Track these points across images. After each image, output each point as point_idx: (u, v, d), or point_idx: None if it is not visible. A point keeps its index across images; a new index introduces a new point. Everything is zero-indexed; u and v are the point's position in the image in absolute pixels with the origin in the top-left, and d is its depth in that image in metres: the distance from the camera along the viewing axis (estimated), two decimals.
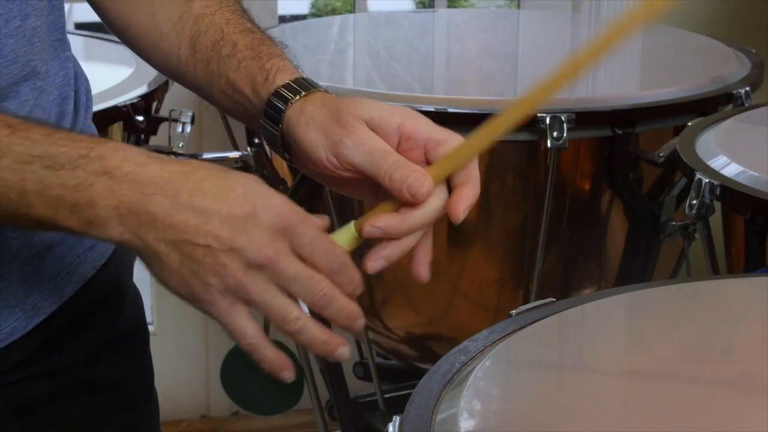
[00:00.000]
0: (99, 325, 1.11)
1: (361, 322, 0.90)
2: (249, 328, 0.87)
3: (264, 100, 0.99)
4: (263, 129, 1.00)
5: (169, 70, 1.08)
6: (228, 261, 0.85)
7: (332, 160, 0.95)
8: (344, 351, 0.89)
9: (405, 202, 0.93)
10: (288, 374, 0.89)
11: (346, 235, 0.95)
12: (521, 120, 0.95)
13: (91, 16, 1.14)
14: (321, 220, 0.90)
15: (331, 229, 0.92)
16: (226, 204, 0.85)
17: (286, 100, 0.98)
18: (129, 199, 0.85)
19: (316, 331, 0.88)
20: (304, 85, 0.99)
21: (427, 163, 0.95)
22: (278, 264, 0.86)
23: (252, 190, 0.87)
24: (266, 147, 1.95)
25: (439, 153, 0.95)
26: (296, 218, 0.87)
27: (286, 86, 0.99)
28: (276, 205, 0.86)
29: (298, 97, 0.98)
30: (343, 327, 0.90)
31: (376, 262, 0.95)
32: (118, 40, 1.13)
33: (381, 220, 0.94)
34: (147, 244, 0.86)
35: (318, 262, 0.88)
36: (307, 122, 0.96)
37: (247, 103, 1.01)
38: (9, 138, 0.86)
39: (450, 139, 0.96)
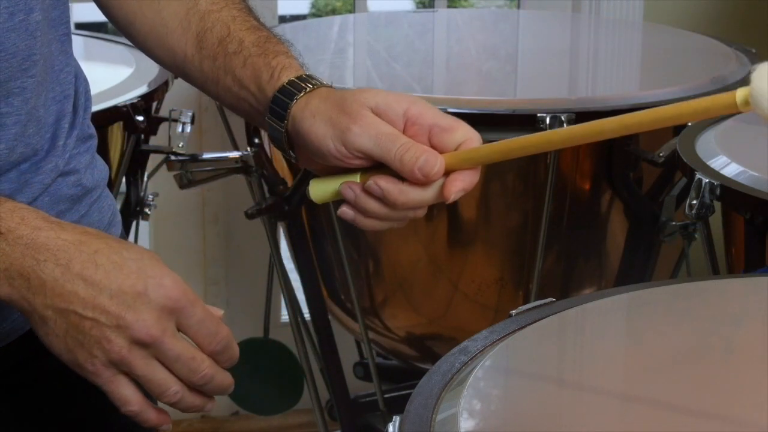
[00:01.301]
0: None
1: (231, 389, 0.93)
2: (131, 396, 0.90)
3: (269, 98, 0.99)
4: (269, 127, 1.00)
5: (175, 66, 1.08)
6: (113, 336, 0.86)
7: (341, 149, 0.95)
8: (211, 405, 0.94)
9: (414, 183, 0.94)
10: (166, 427, 0.94)
11: (349, 180, 0.97)
12: (536, 152, 0.95)
13: (91, 16, 1.14)
14: (215, 310, 0.92)
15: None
16: (117, 279, 0.86)
17: (291, 97, 0.98)
18: (20, 263, 0.86)
19: (190, 400, 0.92)
20: (308, 82, 0.99)
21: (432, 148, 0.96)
22: (163, 344, 0.87)
23: (145, 268, 0.87)
24: (267, 147, 1.96)
25: (444, 139, 0.95)
26: (186, 300, 0.88)
27: (291, 83, 0.99)
28: (167, 286, 0.87)
29: (302, 93, 0.98)
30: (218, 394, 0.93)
31: (367, 220, 0.97)
32: (118, 39, 1.13)
33: (384, 181, 0.95)
34: (34, 309, 0.87)
35: (203, 342, 0.90)
36: (312, 115, 0.96)
37: (253, 100, 1.02)
38: None
39: (455, 126, 0.96)
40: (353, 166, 0.97)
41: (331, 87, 1.00)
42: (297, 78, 1.00)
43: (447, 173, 0.96)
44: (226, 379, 0.92)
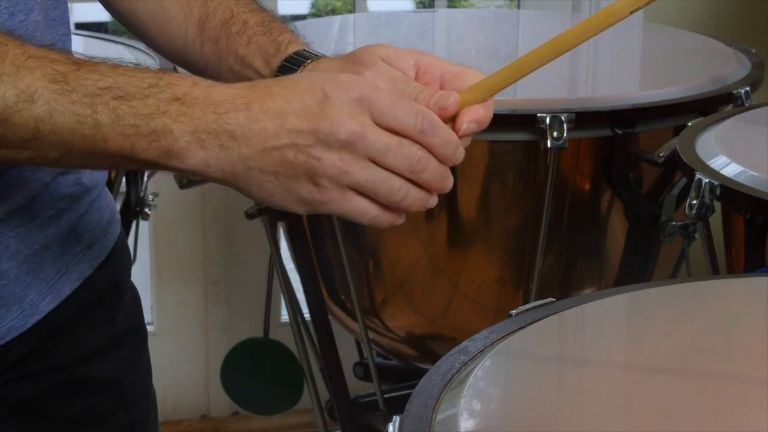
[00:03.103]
0: (97, 324, 1.11)
1: (450, 182, 0.90)
2: (365, 206, 0.88)
3: (274, 70, 1.00)
4: None
5: (175, 53, 1.09)
6: (320, 153, 0.85)
7: None
8: (434, 201, 0.90)
9: None
10: (400, 220, 0.90)
11: None
12: (549, 61, 0.93)
13: (91, 16, 1.14)
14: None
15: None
16: (296, 98, 0.85)
17: (298, 64, 0.99)
18: (204, 121, 0.85)
19: (415, 194, 0.88)
20: (316, 53, 1.00)
21: None
22: (367, 137, 0.85)
23: (317, 77, 0.86)
24: None
25: (455, 84, 0.95)
26: (368, 87, 0.86)
27: (298, 53, 1.00)
28: (343, 81, 0.86)
29: (310, 60, 0.98)
30: (435, 190, 0.90)
31: None
32: (118, 39, 1.13)
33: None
34: (235, 168, 0.86)
35: (406, 126, 0.87)
36: (322, 71, 0.96)
37: (256, 77, 1.02)
38: (76, 73, 0.85)
39: (465, 72, 0.96)
40: None
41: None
42: (304, 49, 1.00)
43: None
44: (440, 166, 0.88)
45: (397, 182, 0.87)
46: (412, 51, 0.98)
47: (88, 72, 0.85)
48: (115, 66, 0.87)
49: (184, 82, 0.86)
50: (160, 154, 0.85)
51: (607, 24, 0.92)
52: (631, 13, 0.90)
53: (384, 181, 0.87)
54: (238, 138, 0.85)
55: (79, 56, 0.87)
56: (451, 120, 0.94)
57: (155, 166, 0.86)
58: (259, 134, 0.85)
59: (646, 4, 0.90)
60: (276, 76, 0.99)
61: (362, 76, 0.88)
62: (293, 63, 0.99)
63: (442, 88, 0.95)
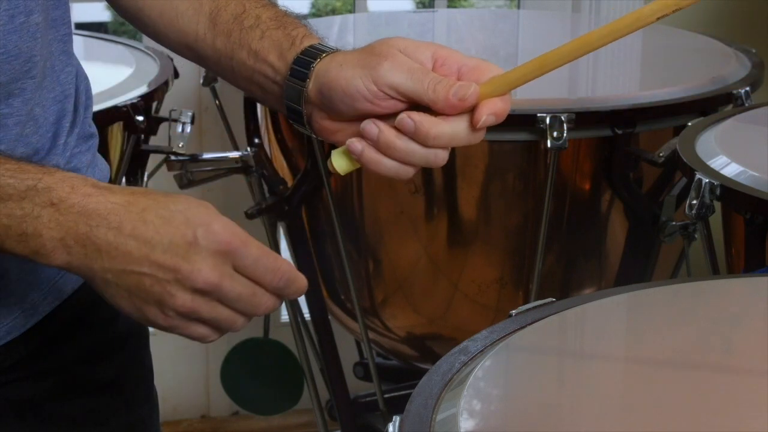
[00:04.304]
0: (98, 324, 1.12)
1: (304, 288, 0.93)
2: (205, 332, 0.92)
3: (289, 63, 1.00)
4: (287, 89, 1.00)
5: (186, 48, 1.08)
6: (175, 290, 0.88)
7: (371, 88, 0.95)
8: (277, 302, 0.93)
9: (447, 113, 0.94)
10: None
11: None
12: (570, 60, 0.93)
13: (91, 16, 1.14)
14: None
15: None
16: (167, 233, 0.88)
17: (315, 57, 0.98)
18: (75, 231, 0.87)
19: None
20: (331, 47, 1.00)
21: None
22: (222, 288, 0.89)
23: (193, 217, 0.88)
24: (267, 147, 1.95)
25: (472, 77, 0.96)
26: (237, 241, 0.89)
27: (313, 46, 0.99)
28: (216, 231, 0.88)
29: (326, 54, 0.98)
30: None
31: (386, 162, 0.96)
32: (118, 39, 1.13)
33: (416, 114, 0.94)
34: (95, 274, 0.89)
35: (263, 281, 0.90)
36: (339, 64, 0.97)
37: (269, 71, 1.01)
38: None
39: (483, 65, 0.97)
40: (382, 110, 0.96)
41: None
42: (319, 43, 1.00)
43: None
44: (290, 295, 0.92)
45: (240, 321, 0.91)
46: (429, 43, 0.98)
47: None
48: None
49: (63, 186, 0.88)
50: (28, 252, 0.88)
51: (633, 28, 0.93)
52: (658, 19, 0.91)
53: (228, 318, 0.91)
54: (103, 253, 0.88)
55: None
56: (470, 111, 0.94)
57: (23, 258, 0.89)
58: (124, 256, 0.88)
59: (674, 11, 0.90)
60: (292, 68, 0.99)
61: (237, 226, 0.90)
62: (309, 56, 0.99)
63: (459, 81, 0.95)
